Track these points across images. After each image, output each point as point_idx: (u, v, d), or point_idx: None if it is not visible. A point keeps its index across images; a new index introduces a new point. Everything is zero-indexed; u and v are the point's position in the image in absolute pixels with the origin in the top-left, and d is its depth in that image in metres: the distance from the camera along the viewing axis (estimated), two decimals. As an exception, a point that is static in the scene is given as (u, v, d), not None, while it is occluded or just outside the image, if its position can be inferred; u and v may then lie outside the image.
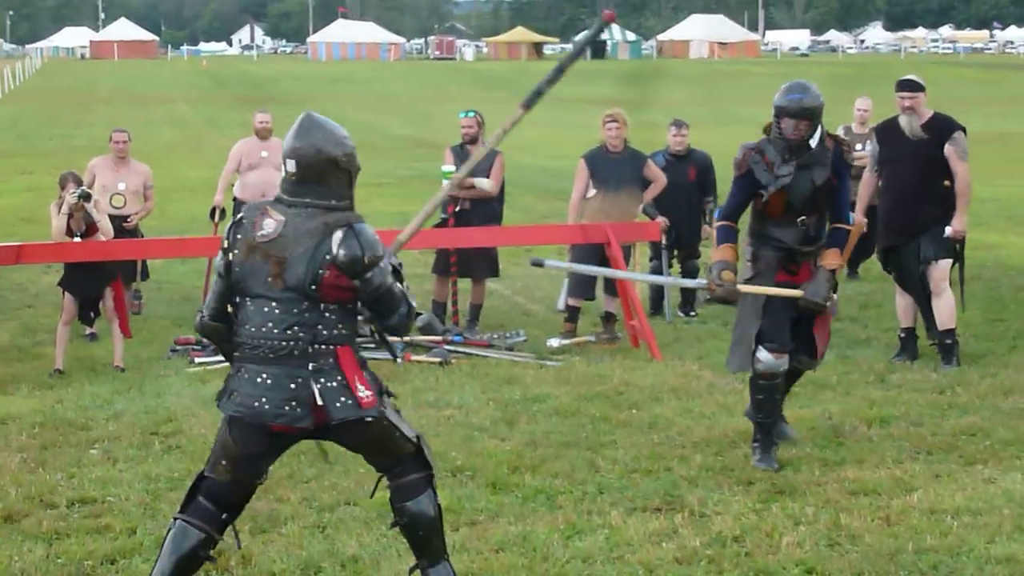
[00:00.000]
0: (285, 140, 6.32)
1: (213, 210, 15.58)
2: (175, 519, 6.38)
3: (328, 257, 6.11)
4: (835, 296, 9.17)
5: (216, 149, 30.99)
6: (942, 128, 11.86)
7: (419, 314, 6.62)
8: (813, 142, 8.88)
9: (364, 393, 6.21)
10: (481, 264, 13.66)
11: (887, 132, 12.15)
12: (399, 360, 12.02)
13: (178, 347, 12.68)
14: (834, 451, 9.18)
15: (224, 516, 6.40)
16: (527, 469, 8.78)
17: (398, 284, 6.28)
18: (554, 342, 12.89)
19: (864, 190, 12.59)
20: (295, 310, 6.15)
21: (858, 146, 16.22)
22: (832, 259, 9.03)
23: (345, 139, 6.30)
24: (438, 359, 12.12)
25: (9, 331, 13.87)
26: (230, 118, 44.85)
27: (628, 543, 7.45)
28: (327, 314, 6.19)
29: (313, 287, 6.12)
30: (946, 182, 11.84)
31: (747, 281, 9.13)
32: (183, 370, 11.92)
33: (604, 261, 12.94)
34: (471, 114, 13.81)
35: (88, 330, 13.24)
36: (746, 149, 9.05)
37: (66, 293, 12.22)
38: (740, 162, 9.04)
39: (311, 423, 6.16)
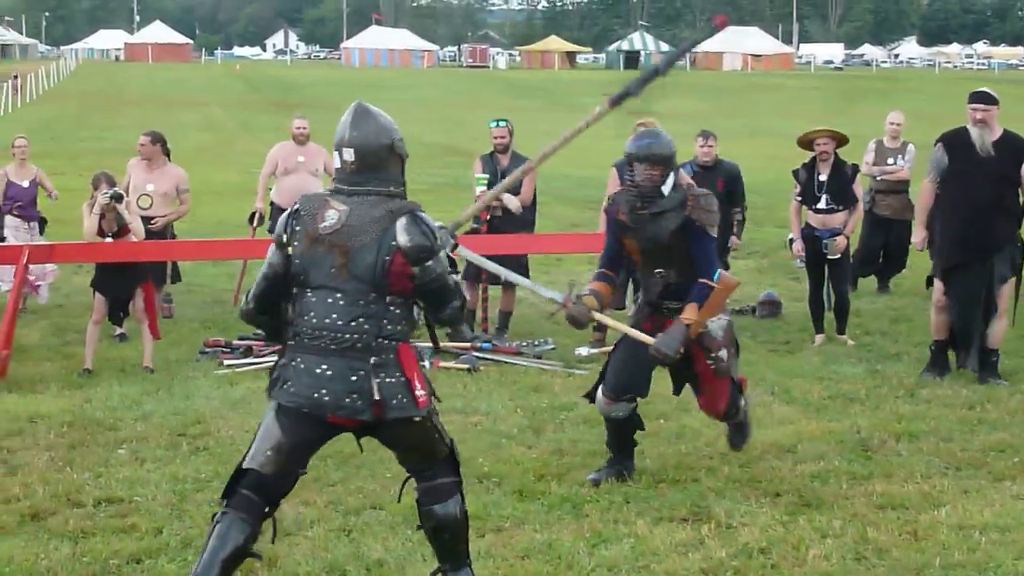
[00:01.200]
0: (339, 130, 6.35)
1: (252, 215, 15.62)
2: (223, 513, 6.27)
3: (394, 243, 6.16)
4: (723, 355, 8.62)
5: (248, 154, 31.06)
6: (1014, 147, 11.57)
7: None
8: (665, 189, 8.60)
9: (420, 393, 6.24)
10: (512, 271, 13.60)
11: (957, 144, 11.73)
12: (426, 363, 12.05)
13: (207, 349, 12.70)
14: (862, 465, 9.13)
15: (267, 509, 6.35)
16: (553, 477, 8.77)
17: (453, 276, 6.35)
18: (583, 351, 12.88)
19: (923, 200, 12.08)
20: (361, 301, 6.17)
21: (890, 160, 16.21)
22: (688, 313, 8.43)
23: (395, 125, 6.41)
24: (467, 366, 12.13)
25: (39, 330, 13.92)
26: (263, 122, 44.90)
27: (654, 553, 7.43)
28: (392, 307, 6.22)
29: (382, 275, 6.15)
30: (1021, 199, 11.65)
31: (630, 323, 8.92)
32: (212, 372, 11.94)
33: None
34: (502, 123, 13.81)
35: (117, 330, 13.28)
36: (610, 199, 8.98)
37: (97, 293, 12.25)
38: (606, 210, 8.98)
39: (370, 416, 6.15)
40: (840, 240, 13.30)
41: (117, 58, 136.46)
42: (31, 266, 12.95)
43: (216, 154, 34.46)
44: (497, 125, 13.77)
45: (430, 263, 6.21)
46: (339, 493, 8.40)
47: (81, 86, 77.27)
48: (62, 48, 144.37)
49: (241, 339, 12.84)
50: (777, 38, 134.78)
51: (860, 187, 13.88)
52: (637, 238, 8.67)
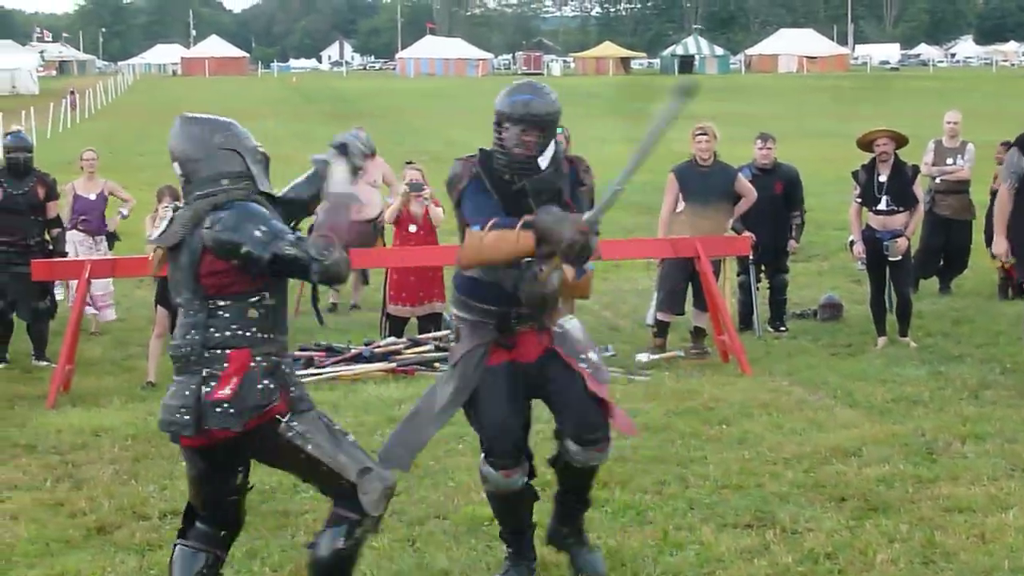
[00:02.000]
0: (168, 146, 6.19)
1: (311, 228, 15.65)
2: (175, 545, 6.23)
3: (200, 243, 5.86)
4: (594, 357, 7.00)
5: (306, 166, 31.05)
6: None
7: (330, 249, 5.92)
8: (543, 160, 6.79)
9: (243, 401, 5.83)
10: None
11: None
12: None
13: (268, 361, 12.73)
14: (928, 468, 9.05)
15: (223, 533, 6.23)
16: (617, 484, 8.73)
17: (290, 249, 5.83)
18: (643, 357, 12.83)
19: (1002, 207, 11.63)
20: (191, 311, 5.93)
21: (948, 160, 16.09)
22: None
23: (224, 123, 6.17)
24: (527, 373, 12.08)
25: (102, 344, 14.03)
26: (320, 134, 44.96)
27: (719, 559, 7.39)
28: (220, 312, 5.88)
29: (194, 279, 5.88)
30: None
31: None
32: (273, 384, 11.96)
33: (694, 275, 12.89)
34: (559, 130, 13.72)
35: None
36: (466, 161, 7.05)
37: (159, 307, 12.32)
38: (459, 176, 6.94)
39: (193, 432, 5.81)
40: (901, 241, 13.21)
41: (174, 72, 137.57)
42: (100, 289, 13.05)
43: (274, 166, 34.40)
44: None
45: (246, 250, 5.78)
46: (402, 503, 8.40)
47: (139, 100, 77.81)
48: (119, 63, 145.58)
49: (302, 350, 12.89)
50: (832, 39, 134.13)
51: (920, 188, 13.78)
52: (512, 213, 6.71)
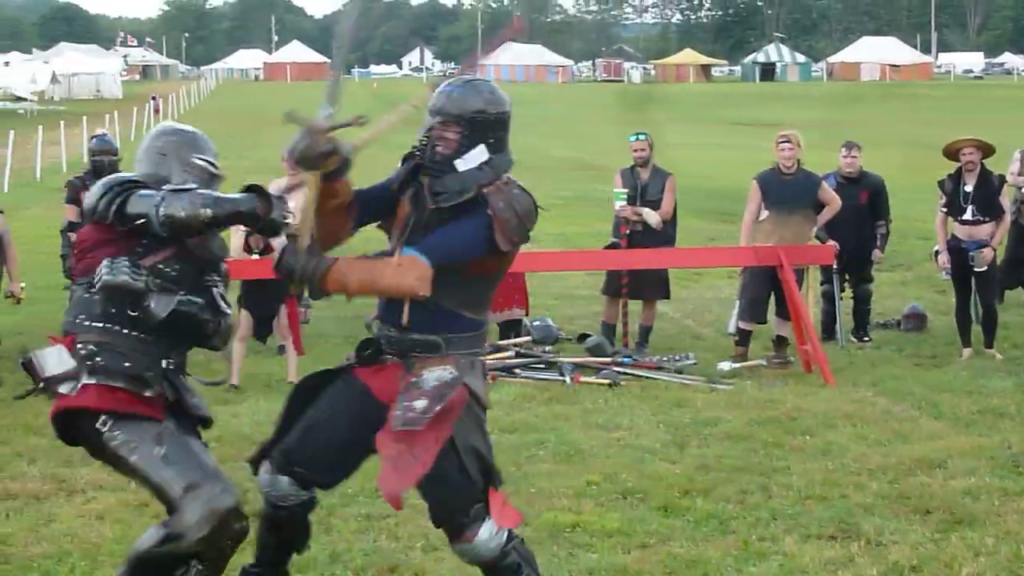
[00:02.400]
0: None
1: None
2: None
3: None
4: (420, 405, 5.92)
5: (388, 171, 31.16)
6: None
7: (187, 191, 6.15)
8: (461, 164, 6.06)
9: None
10: (652, 285, 13.60)
11: None
12: (567, 379, 12.02)
13: (350, 365, 12.79)
14: (1014, 481, 8.95)
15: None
16: (699, 493, 8.69)
17: (131, 208, 5.82)
18: (725, 365, 12.78)
19: None
20: None
21: (1035, 168, 15.90)
22: (347, 265, 6.27)
23: (176, 130, 6.62)
24: (608, 381, 12.09)
25: (185, 347, 14.11)
26: (399, 141, 44.94)
27: (803, 571, 7.32)
28: (72, 296, 6.00)
29: None
30: None
31: None
32: (355, 387, 12.02)
33: (776, 284, 12.81)
34: (642, 136, 13.73)
35: (279, 342, 13.38)
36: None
37: (242, 310, 12.40)
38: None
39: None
40: (987, 252, 13.09)
41: (256, 77, 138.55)
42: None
43: (358, 172, 34.56)
44: (636, 139, 13.71)
45: (111, 211, 5.81)
46: (483, 509, 8.40)
47: (222, 105, 78.38)
48: (202, 68, 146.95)
49: (384, 356, 12.93)
50: (916, 48, 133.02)
51: (1007, 198, 13.65)
52: (415, 215, 6.16)
